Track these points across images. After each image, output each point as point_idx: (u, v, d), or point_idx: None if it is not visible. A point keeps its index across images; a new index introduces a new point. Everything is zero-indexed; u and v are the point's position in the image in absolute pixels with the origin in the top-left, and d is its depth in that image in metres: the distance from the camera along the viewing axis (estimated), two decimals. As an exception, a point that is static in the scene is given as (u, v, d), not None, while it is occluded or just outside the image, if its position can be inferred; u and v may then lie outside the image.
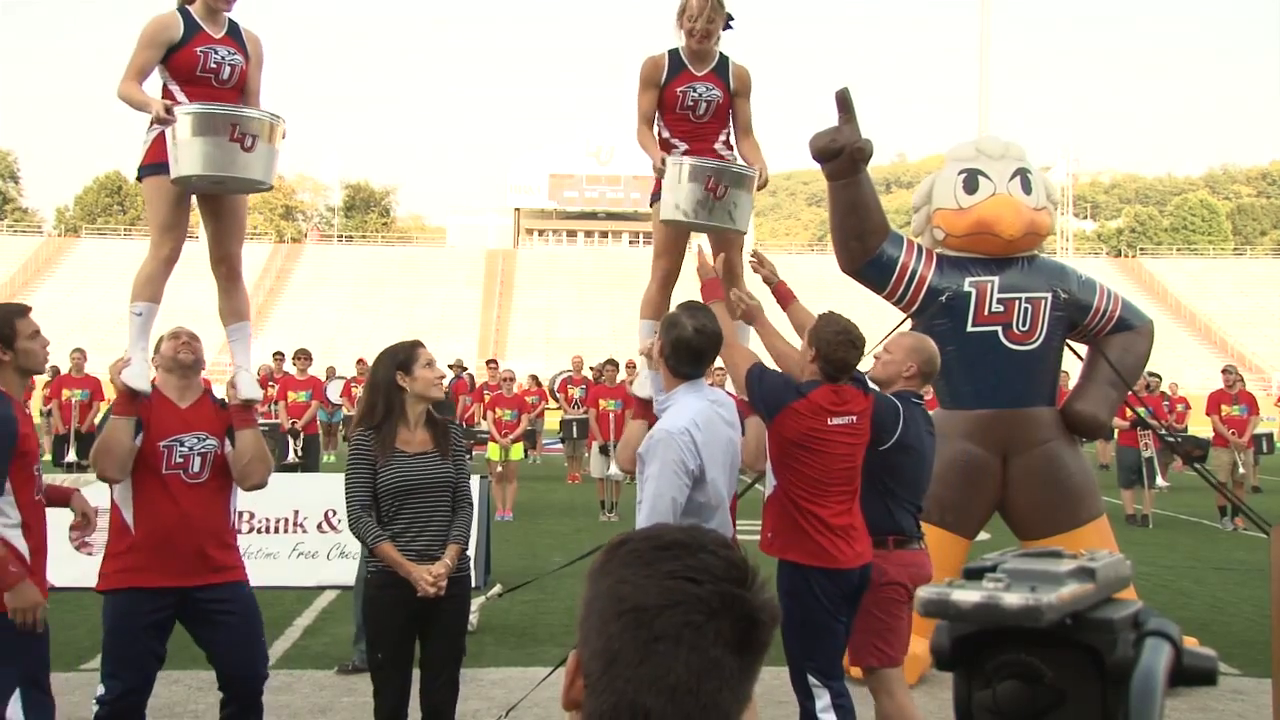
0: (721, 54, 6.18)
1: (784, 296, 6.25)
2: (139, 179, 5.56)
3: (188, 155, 5.17)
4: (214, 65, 5.43)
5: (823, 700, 5.33)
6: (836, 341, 5.48)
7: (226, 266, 5.76)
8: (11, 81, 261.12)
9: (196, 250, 5.75)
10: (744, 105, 6.20)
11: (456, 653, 5.39)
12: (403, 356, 5.33)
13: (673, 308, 5.43)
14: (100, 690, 5.11)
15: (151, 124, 5.40)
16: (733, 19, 6.16)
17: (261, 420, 5.80)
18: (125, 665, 5.08)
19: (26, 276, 66.34)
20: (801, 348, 5.63)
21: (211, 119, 5.18)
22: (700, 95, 6.06)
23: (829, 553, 5.37)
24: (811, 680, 5.35)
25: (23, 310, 4.97)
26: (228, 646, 5.21)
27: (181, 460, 5.13)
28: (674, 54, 6.14)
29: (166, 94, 5.40)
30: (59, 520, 10.60)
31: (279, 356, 19.84)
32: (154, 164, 5.40)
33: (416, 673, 5.36)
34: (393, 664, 5.29)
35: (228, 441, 5.30)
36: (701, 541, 1.54)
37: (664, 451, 4.77)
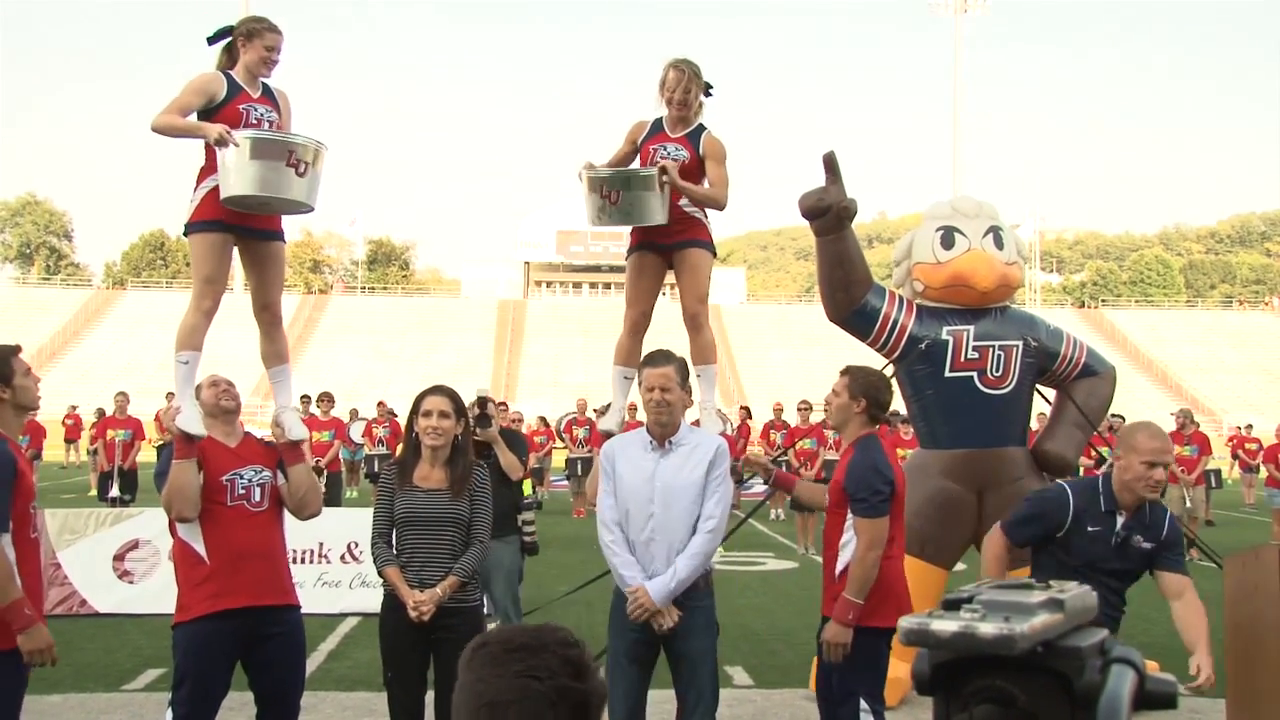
0: (700, 124, 6.36)
1: (787, 482, 6.43)
2: (186, 234, 5.57)
3: (244, 177, 5.24)
4: (255, 120, 5.51)
5: None
6: (881, 386, 5.63)
7: (269, 313, 5.80)
8: (66, 148, 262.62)
9: (228, 301, 5.78)
10: (713, 168, 6.29)
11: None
12: (417, 402, 5.40)
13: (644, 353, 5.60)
14: (168, 718, 5.02)
15: (202, 178, 5.42)
16: (712, 87, 6.36)
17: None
18: (199, 693, 4.95)
19: (77, 326, 66.44)
20: (840, 403, 5.58)
21: (269, 144, 5.28)
22: (669, 154, 6.24)
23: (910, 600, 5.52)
24: (863, 706, 5.34)
25: (15, 349, 4.90)
26: (276, 668, 5.14)
27: (244, 491, 5.13)
28: (658, 120, 6.41)
29: (209, 149, 5.44)
30: (104, 550, 10.68)
31: (305, 399, 19.82)
32: (201, 221, 5.44)
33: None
34: (400, 683, 5.29)
35: (279, 473, 5.31)
36: (544, 642, 1.75)
37: None
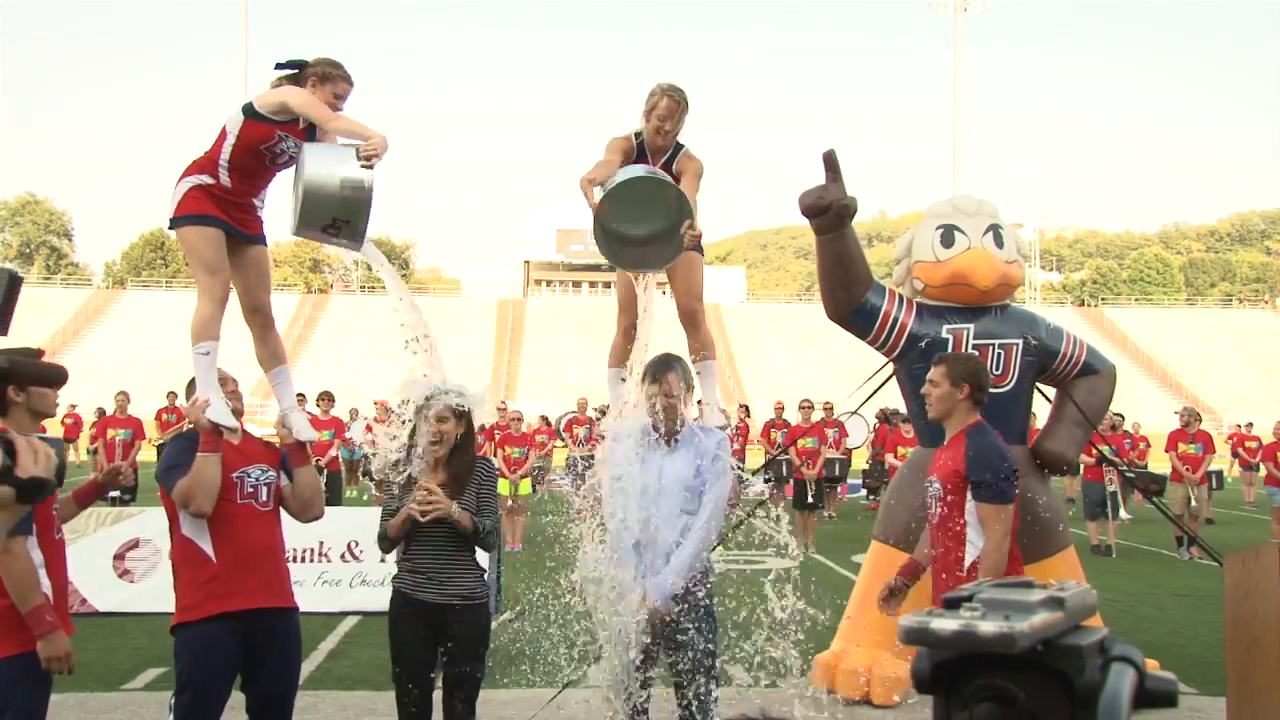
0: (678, 144, 6.28)
1: (914, 570, 5.98)
2: (173, 227, 5.43)
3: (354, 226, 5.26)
4: (279, 151, 5.41)
5: None
6: (980, 369, 5.59)
7: (261, 315, 5.71)
8: (66, 147, 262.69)
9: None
10: (689, 182, 6.18)
11: (472, 674, 5.38)
12: (420, 408, 5.43)
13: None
14: None
15: (190, 171, 5.37)
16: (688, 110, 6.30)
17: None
18: (203, 699, 4.90)
19: (77, 325, 66.49)
20: (941, 392, 5.52)
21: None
22: None
23: None
24: None
25: (38, 354, 4.87)
26: (275, 672, 5.11)
27: (252, 490, 5.10)
28: (640, 141, 6.26)
29: (216, 153, 5.35)
30: (104, 549, 10.67)
31: (301, 399, 19.78)
32: (191, 214, 5.32)
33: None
34: (409, 679, 5.30)
35: (282, 474, 5.30)
36: None
37: None
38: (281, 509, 5.37)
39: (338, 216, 5.26)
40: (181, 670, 4.95)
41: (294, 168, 5.41)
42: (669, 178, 6.02)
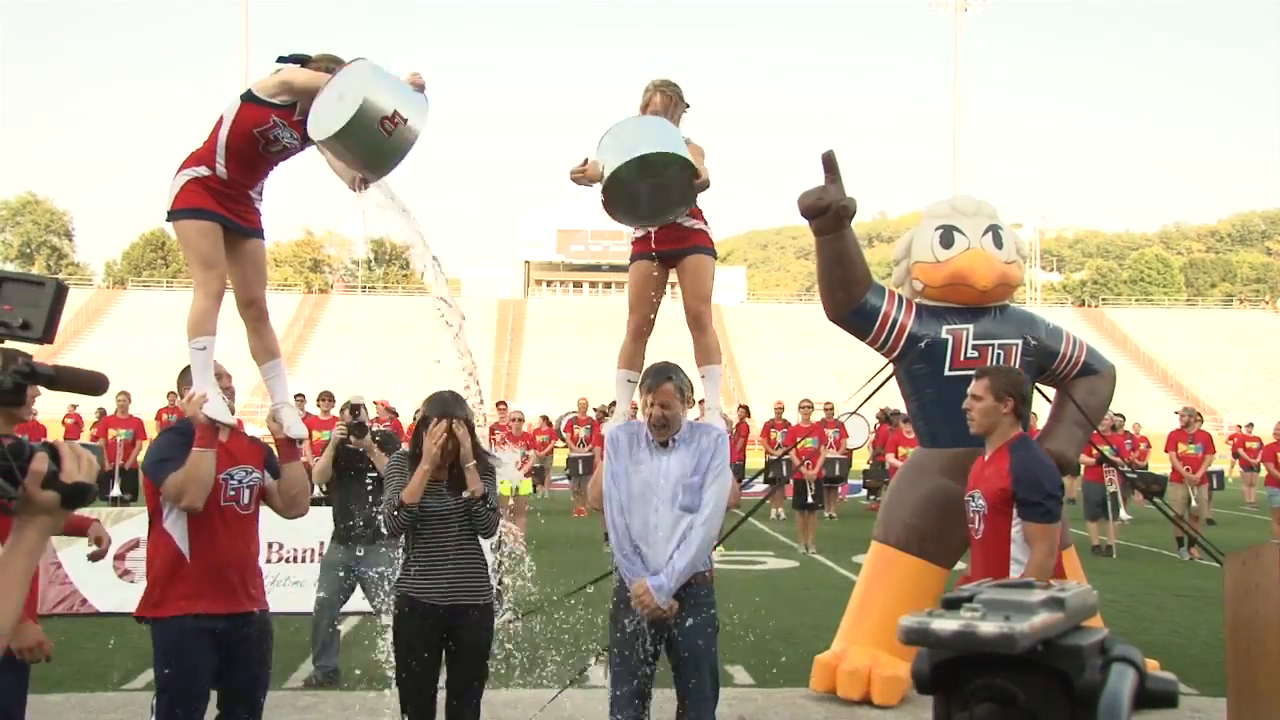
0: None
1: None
2: (170, 219, 5.44)
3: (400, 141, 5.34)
4: (273, 139, 5.41)
5: None
6: (1023, 382, 5.55)
7: (255, 309, 5.71)
8: (66, 147, 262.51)
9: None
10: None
11: (477, 675, 5.38)
12: (427, 417, 5.43)
13: (648, 362, 5.61)
14: None
15: (187, 164, 5.37)
16: (688, 105, 6.26)
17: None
18: (183, 696, 4.88)
19: (78, 325, 66.42)
20: (984, 406, 5.50)
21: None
22: None
23: None
24: None
25: (16, 355, 4.79)
26: (245, 668, 5.09)
27: (234, 493, 5.08)
28: None
29: (213, 142, 5.35)
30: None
31: (300, 398, 19.78)
32: (188, 208, 5.33)
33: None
34: (415, 682, 5.30)
35: (266, 474, 5.28)
36: None
37: None
38: (265, 505, 5.35)
39: (399, 110, 5.26)
40: (159, 672, 4.95)
41: (329, 84, 5.33)
42: (660, 125, 5.97)
